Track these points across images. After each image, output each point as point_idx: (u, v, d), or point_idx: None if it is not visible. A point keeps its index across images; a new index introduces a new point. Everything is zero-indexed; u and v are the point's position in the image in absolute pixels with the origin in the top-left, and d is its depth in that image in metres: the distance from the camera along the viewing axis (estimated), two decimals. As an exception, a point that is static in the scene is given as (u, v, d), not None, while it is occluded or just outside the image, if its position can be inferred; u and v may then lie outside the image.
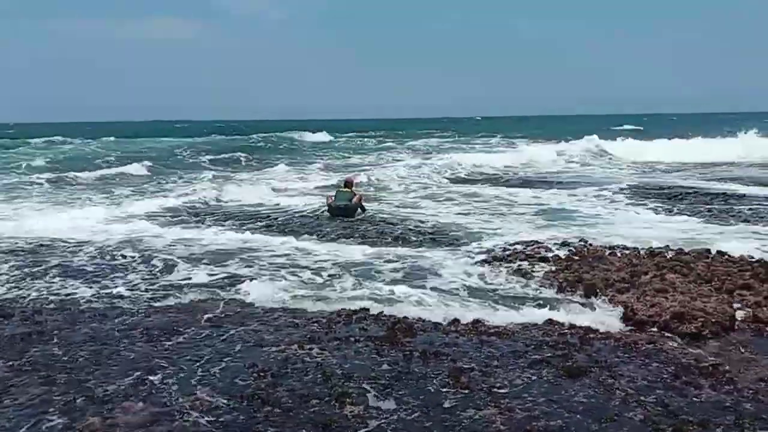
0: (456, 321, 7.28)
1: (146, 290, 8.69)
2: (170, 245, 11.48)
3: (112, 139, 49.16)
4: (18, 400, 5.40)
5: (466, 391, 5.42)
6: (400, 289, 8.48)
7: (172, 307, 7.94)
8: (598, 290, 8.25)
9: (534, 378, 5.69)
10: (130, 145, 42.22)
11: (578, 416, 4.99)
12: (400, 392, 5.43)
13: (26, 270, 9.76)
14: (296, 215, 15.06)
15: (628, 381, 5.60)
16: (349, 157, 36.44)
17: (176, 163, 30.76)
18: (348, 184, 14.95)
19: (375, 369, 5.93)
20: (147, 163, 28.15)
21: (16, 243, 11.74)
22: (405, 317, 7.31)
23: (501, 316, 7.49)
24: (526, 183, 22.43)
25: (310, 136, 50.59)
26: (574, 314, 7.68)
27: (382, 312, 7.53)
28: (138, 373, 5.90)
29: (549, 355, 6.22)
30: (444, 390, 5.46)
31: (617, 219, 14.37)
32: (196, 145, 39.27)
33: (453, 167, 26.90)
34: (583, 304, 8.01)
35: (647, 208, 15.74)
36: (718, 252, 10.01)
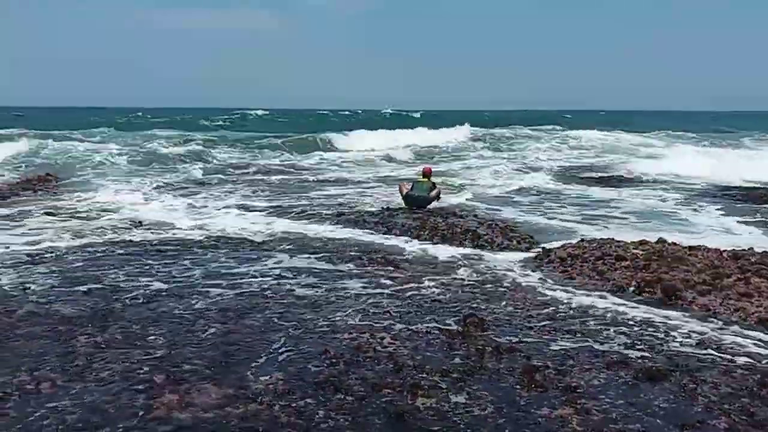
0: (530, 316, 7.17)
1: (223, 274, 8.84)
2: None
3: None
4: (100, 375, 5.55)
5: (541, 390, 5.31)
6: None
7: (246, 292, 8.05)
8: (677, 291, 7.98)
9: (611, 379, 5.53)
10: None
11: (658, 421, 4.83)
12: (473, 387, 5.36)
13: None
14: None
15: (711, 387, 5.38)
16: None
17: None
18: (426, 174, 14.81)
19: (447, 362, 5.88)
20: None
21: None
22: (481, 314, 7.20)
23: (574, 315, 7.33)
24: None
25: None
26: (653, 315, 7.47)
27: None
28: (213, 354, 6.01)
29: (627, 355, 6.04)
30: (518, 387, 5.37)
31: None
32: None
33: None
34: (661, 305, 7.78)
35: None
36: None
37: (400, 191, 14.56)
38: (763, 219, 14.33)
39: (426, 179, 14.72)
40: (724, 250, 9.86)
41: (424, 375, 5.57)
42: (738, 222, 14.02)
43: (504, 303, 7.74)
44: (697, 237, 11.89)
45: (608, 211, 15.33)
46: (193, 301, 7.55)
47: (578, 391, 5.27)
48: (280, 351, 6.12)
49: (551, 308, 7.57)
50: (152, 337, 6.43)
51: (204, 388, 5.35)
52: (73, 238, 10.97)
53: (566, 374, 5.61)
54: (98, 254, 9.87)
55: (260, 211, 14.13)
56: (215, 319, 6.94)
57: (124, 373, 5.60)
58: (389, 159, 28.68)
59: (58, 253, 9.91)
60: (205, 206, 14.93)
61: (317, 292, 8.00)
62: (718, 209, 15.74)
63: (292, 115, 77.21)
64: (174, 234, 11.54)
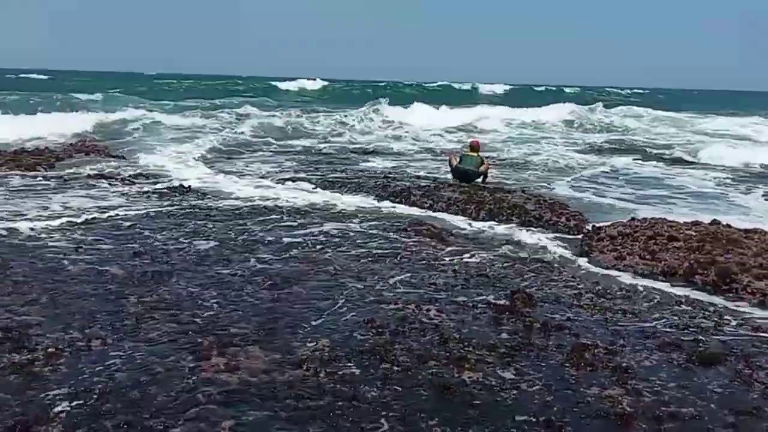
0: (578, 295, 7.05)
1: (271, 241, 8.87)
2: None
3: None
4: (149, 335, 5.62)
5: (590, 368, 5.21)
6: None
7: (298, 257, 8.07)
8: (732, 274, 7.75)
9: (663, 361, 5.40)
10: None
11: (712, 406, 4.70)
12: (520, 363, 5.29)
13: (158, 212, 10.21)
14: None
15: (767, 374, 5.22)
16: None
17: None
18: (474, 148, 14.59)
19: (494, 337, 5.81)
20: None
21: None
22: (527, 290, 7.09)
23: (624, 295, 7.18)
24: None
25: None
26: (706, 297, 7.29)
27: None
28: (261, 319, 6.03)
29: (679, 338, 5.89)
30: (567, 365, 5.27)
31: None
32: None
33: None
34: (715, 288, 7.58)
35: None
36: None
37: (450, 163, 14.40)
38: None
39: (475, 153, 14.49)
40: (781, 234, 9.54)
41: (471, 349, 5.52)
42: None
43: (552, 280, 7.63)
44: (753, 220, 11.52)
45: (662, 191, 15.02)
46: (242, 267, 7.59)
47: (629, 371, 5.16)
48: (326, 319, 6.12)
49: (600, 287, 7.43)
50: (200, 301, 6.48)
51: (251, 352, 5.37)
52: (125, 201, 11.14)
53: (616, 354, 5.49)
54: (149, 217, 9.98)
55: (310, 182, 14.11)
56: (263, 285, 6.96)
57: (173, 334, 5.66)
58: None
59: (110, 214, 10.05)
60: (259, 174, 15.01)
61: (363, 262, 7.97)
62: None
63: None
64: (224, 201, 11.61)
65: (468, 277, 7.55)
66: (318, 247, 8.60)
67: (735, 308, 6.91)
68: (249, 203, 11.42)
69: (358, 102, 39.06)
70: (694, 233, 9.55)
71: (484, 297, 6.85)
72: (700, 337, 5.91)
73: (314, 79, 74.35)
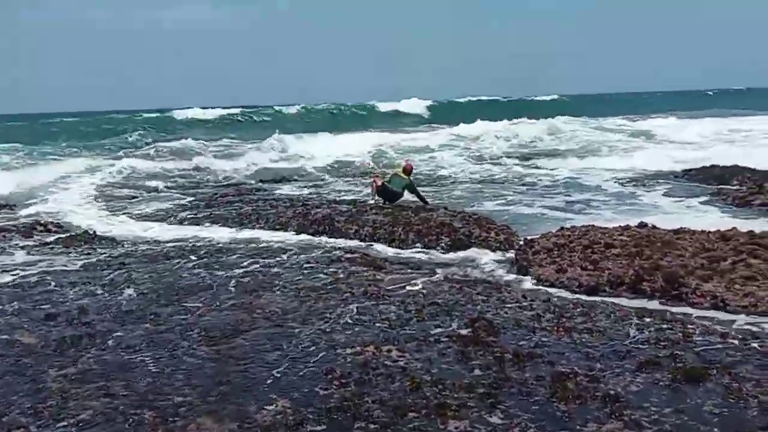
0: (537, 316, 6.75)
1: (199, 287, 8.13)
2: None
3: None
4: (79, 416, 4.86)
5: (579, 401, 4.86)
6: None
7: (232, 304, 7.38)
8: (679, 278, 7.67)
9: (649, 383, 5.12)
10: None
11: (715, 430, 4.42)
12: (505, 403, 4.87)
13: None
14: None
15: (754, 385, 5.02)
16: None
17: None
18: (406, 170, 14.07)
19: (467, 375, 5.38)
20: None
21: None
22: (486, 317, 6.71)
23: (581, 311, 6.94)
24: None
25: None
26: (661, 306, 7.16)
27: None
28: (206, 383, 5.37)
29: (655, 355, 5.65)
30: (553, 400, 4.90)
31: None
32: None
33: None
34: (664, 295, 7.48)
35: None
36: (794, 234, 9.43)
37: (374, 184, 13.85)
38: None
39: (405, 176, 14.00)
40: (710, 232, 9.63)
41: (447, 392, 5.06)
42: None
43: (504, 302, 7.30)
44: (667, 219, 11.65)
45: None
46: (172, 321, 6.85)
47: (620, 400, 4.83)
48: (280, 373, 5.52)
49: (555, 305, 7.17)
50: (132, 366, 5.74)
51: (203, 424, 4.73)
52: (27, 255, 10.08)
53: (599, 381, 5.17)
54: (57, 272, 9.01)
55: (224, 219, 13.30)
56: (200, 341, 6.27)
57: (107, 412, 4.93)
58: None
59: (11, 272, 9.02)
60: (160, 214, 14.06)
61: (304, 302, 7.39)
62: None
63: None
64: (136, 246, 10.72)
65: (419, 307, 7.11)
66: (250, 289, 7.94)
67: (695, 315, 6.81)
68: (164, 246, 10.59)
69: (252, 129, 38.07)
70: (627, 238, 9.50)
71: (442, 329, 6.43)
72: (676, 352, 5.68)
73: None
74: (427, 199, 13.66)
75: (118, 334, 6.51)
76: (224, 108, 50.14)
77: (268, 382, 5.37)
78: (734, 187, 15.07)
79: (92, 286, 8.18)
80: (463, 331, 6.32)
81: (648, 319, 6.60)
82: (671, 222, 10.92)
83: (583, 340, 6.07)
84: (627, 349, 5.80)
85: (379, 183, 13.72)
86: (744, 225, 10.33)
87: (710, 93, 68.78)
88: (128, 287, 8.09)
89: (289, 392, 5.16)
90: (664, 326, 6.39)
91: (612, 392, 4.95)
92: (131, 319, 6.94)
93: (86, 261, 9.62)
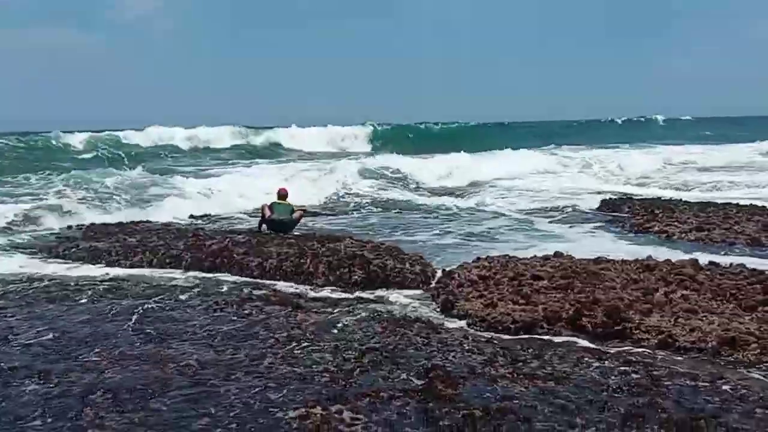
0: (490, 361, 6.15)
1: (94, 336, 6.93)
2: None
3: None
4: None
5: (577, 467, 4.26)
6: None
7: (137, 356, 6.26)
8: (621, 313, 7.33)
9: (644, 441, 4.61)
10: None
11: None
12: (496, 475, 4.19)
13: None
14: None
15: (751, 437, 4.63)
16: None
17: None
18: (283, 195, 13.31)
19: (440, 439, 4.66)
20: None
21: None
22: (437, 365, 6.02)
23: (533, 354, 6.42)
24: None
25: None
26: (610, 345, 6.78)
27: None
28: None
29: (632, 404, 5.16)
30: (549, 467, 4.27)
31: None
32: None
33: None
34: (606, 331, 7.12)
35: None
36: (710, 262, 9.46)
37: (263, 214, 12.96)
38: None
39: (285, 201, 13.27)
40: (631, 261, 9.48)
41: (424, 464, 4.31)
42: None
43: (446, 345, 6.65)
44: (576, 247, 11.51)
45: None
46: (68, 380, 5.66)
47: (622, 464, 4.28)
48: (213, 448, 4.56)
49: (502, 347, 6.60)
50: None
51: None
52: None
53: (589, 440, 4.60)
54: None
55: (101, 254, 11.85)
56: (107, 406, 5.15)
57: None
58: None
59: None
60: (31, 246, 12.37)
61: (220, 352, 6.41)
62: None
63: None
64: (7, 286, 9.21)
65: (356, 354, 6.31)
66: (156, 337, 6.84)
67: (648, 354, 6.43)
68: (43, 285, 9.11)
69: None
70: (551, 269, 9.16)
71: (392, 381, 5.67)
72: (654, 400, 5.23)
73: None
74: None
75: (-1, 401, 5.28)
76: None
77: (202, 460, 4.41)
78: (625, 214, 15.29)
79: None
80: (417, 382, 5.60)
81: (607, 362, 6.15)
82: (581, 250, 10.78)
83: (549, 387, 5.51)
84: (600, 399, 5.28)
85: (267, 213, 12.87)
86: (648, 252, 10.33)
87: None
88: (6, 338, 6.76)
89: (231, 473, 4.24)
90: (628, 369, 5.96)
91: (609, 454, 4.39)
92: (15, 379, 5.69)
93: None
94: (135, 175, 19.88)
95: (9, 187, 20.21)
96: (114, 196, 16.75)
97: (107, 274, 9.92)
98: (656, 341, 6.86)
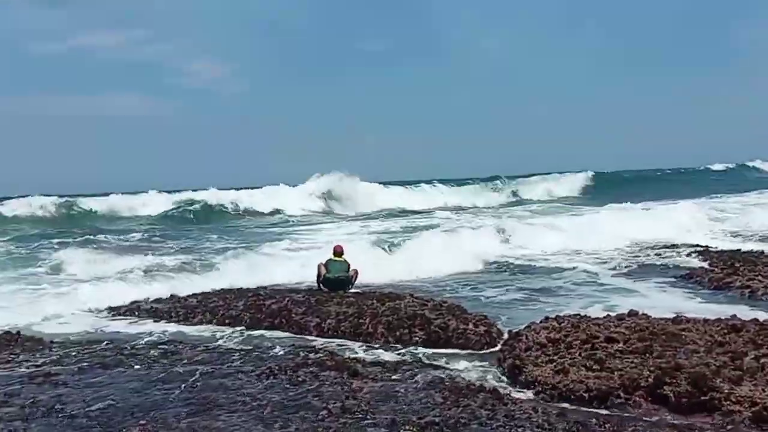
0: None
1: (141, 407, 6.64)
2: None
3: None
4: None
5: None
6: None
7: (183, 431, 5.92)
8: (708, 381, 6.64)
9: None
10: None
11: None
12: None
13: None
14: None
15: None
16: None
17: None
18: (338, 253, 13.04)
19: None
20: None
21: None
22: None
23: (613, 430, 5.81)
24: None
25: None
26: (696, 419, 6.11)
27: None
28: None
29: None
30: None
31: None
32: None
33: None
34: (691, 402, 6.44)
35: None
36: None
37: (319, 273, 12.68)
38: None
39: (340, 258, 12.99)
40: (713, 321, 8.73)
41: None
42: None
43: (514, 419, 6.09)
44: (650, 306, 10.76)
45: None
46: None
47: None
48: None
49: (577, 424, 5.97)
50: None
51: None
52: None
53: None
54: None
55: (161, 313, 11.75)
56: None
57: None
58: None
59: None
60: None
61: (269, 426, 5.99)
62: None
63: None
64: (65, 350, 9.09)
65: (416, 430, 5.81)
66: (203, 408, 6.48)
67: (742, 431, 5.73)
68: (99, 349, 8.94)
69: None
70: (626, 331, 8.49)
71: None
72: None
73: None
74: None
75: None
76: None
77: None
78: (702, 266, 14.38)
79: (5, 408, 6.57)
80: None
81: (693, 438, 5.49)
82: (654, 308, 10.06)
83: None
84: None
85: (323, 271, 12.60)
86: (730, 311, 9.56)
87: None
88: (52, 410, 6.52)
89: None
90: (718, 450, 5.29)
91: None
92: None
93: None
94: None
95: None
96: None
97: (165, 333, 9.72)
98: (750, 414, 6.15)
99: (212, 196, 40.80)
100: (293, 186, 44.10)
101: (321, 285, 12.59)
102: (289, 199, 41.96)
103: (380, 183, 47.53)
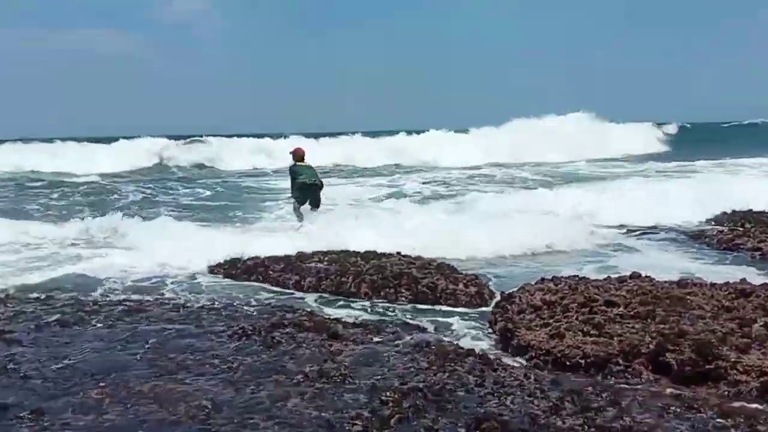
0: (554, 408, 5.08)
1: (102, 368, 6.15)
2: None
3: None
4: None
5: None
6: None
7: (145, 395, 5.41)
8: (714, 349, 6.16)
9: None
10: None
11: None
12: None
13: None
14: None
15: None
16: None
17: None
18: (301, 156, 12.39)
19: None
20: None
21: None
22: (491, 412, 5.00)
23: (608, 400, 5.33)
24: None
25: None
26: (700, 389, 5.63)
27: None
28: None
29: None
30: None
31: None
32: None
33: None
34: (695, 370, 5.96)
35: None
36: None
37: (292, 180, 12.14)
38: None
39: (304, 162, 12.45)
40: (721, 285, 8.24)
41: None
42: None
43: (503, 386, 5.57)
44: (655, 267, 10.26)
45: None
46: (62, 421, 4.86)
47: None
48: None
49: (570, 390, 5.49)
50: None
51: None
52: None
53: None
54: None
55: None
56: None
57: None
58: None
59: None
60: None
61: (239, 391, 5.49)
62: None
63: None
64: (20, 305, 8.59)
65: (396, 395, 5.31)
66: (169, 369, 5.99)
67: (750, 401, 5.26)
68: (57, 304, 8.44)
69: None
70: (628, 294, 8.00)
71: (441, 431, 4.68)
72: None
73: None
74: None
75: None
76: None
77: None
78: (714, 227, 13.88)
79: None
80: (467, 436, 4.59)
81: (701, 414, 4.99)
82: (659, 269, 9.57)
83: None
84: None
85: (303, 180, 12.03)
86: (740, 274, 9.10)
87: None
88: (4, 369, 6.02)
89: None
90: (726, 423, 4.81)
91: None
92: (3, 420, 4.93)
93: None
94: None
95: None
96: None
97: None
98: (758, 384, 5.67)
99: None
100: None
101: (297, 198, 12.19)
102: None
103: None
